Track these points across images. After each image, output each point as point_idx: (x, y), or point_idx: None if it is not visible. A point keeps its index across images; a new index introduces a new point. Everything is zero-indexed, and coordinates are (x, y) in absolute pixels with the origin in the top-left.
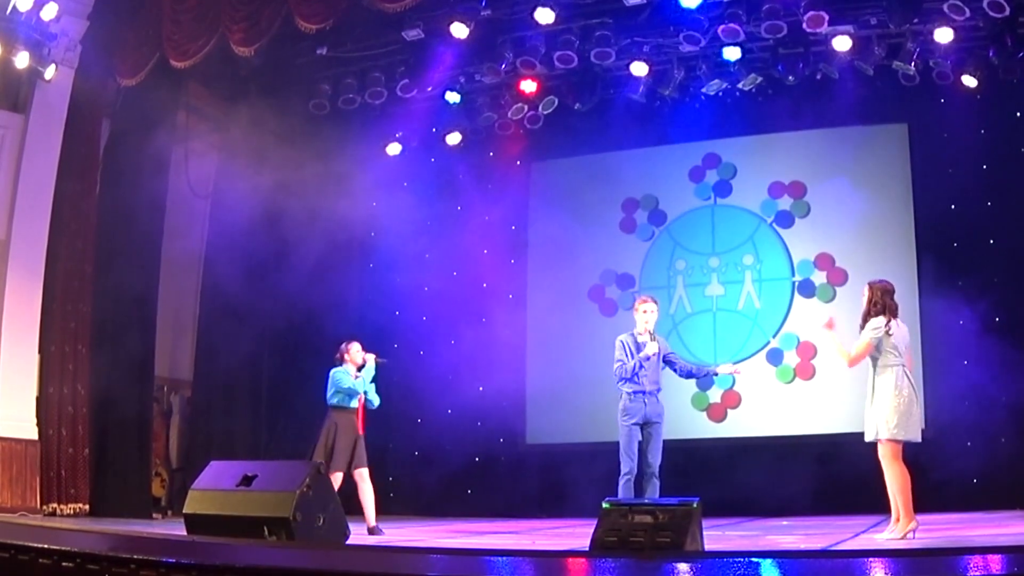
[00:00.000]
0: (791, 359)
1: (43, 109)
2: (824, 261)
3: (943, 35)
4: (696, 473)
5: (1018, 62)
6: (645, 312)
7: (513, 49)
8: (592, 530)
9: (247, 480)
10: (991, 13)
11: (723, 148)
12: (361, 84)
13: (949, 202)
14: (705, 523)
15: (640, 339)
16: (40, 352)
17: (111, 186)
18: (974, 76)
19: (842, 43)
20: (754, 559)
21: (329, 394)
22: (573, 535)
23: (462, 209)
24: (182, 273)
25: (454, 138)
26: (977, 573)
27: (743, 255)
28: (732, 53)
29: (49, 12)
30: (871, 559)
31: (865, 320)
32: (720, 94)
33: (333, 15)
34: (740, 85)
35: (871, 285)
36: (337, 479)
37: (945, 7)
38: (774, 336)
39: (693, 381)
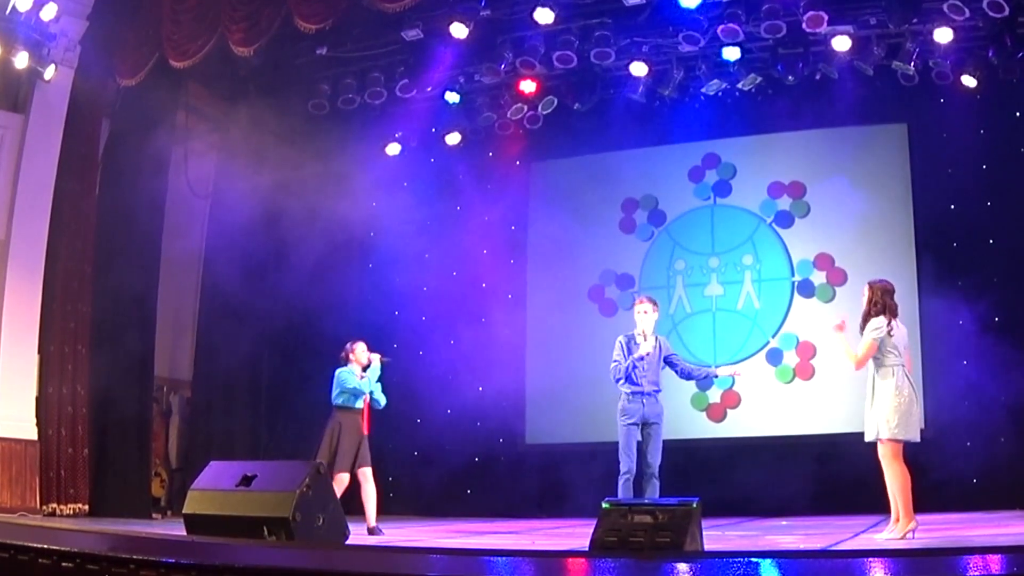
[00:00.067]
0: (791, 359)
1: (43, 109)
2: (823, 261)
3: (942, 35)
4: (696, 473)
5: (1017, 62)
6: (644, 313)
7: (513, 49)
8: (592, 530)
9: (247, 480)
10: (991, 13)
11: (723, 148)
12: (361, 84)
13: (949, 202)
14: (705, 523)
15: (638, 340)
16: (40, 352)
17: (111, 186)
18: (974, 76)
19: (841, 43)
20: (754, 559)
21: (334, 394)
22: (573, 535)
23: (462, 209)
24: (182, 273)
25: (454, 138)
26: (977, 573)
27: (743, 255)
28: (731, 53)
29: (49, 12)
30: (871, 559)
31: (865, 320)
32: (720, 94)
33: (333, 15)
34: (740, 85)
35: (871, 285)
36: (342, 481)
37: (945, 7)
38: (773, 336)
39: (693, 381)
